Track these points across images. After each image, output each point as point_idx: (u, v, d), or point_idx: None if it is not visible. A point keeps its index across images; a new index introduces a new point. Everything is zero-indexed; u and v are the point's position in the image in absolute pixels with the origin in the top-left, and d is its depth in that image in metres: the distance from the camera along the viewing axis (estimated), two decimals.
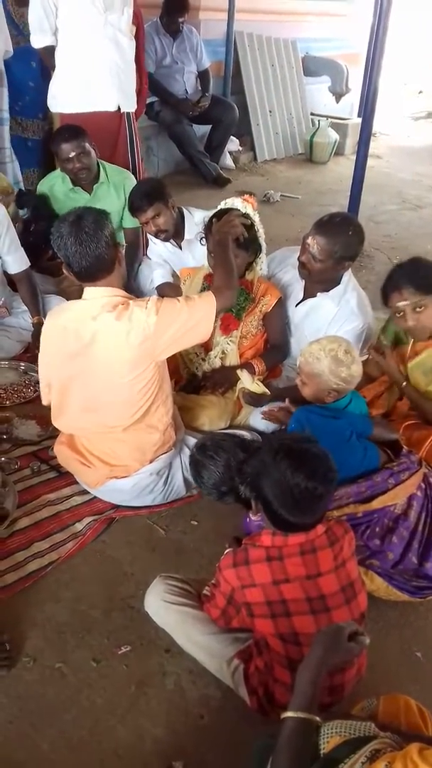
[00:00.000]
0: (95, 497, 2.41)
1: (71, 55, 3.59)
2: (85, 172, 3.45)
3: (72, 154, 3.37)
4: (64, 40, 3.58)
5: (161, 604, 1.83)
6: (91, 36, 3.54)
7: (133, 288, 3.65)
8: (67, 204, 3.59)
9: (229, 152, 6.51)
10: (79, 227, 2.07)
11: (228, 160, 6.49)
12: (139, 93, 5.11)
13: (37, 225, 3.51)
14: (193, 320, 2.17)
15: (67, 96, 3.66)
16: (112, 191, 3.57)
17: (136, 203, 3.13)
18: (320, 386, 2.14)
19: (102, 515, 2.35)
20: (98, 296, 2.15)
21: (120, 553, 2.23)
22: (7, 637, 1.88)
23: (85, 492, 2.43)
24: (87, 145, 3.39)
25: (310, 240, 2.55)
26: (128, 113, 3.87)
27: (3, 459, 2.55)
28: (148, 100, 5.50)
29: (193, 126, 5.96)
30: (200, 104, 5.85)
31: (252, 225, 2.70)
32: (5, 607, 1.99)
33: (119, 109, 3.77)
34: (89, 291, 2.17)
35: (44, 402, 2.39)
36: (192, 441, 2.46)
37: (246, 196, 2.81)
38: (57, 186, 3.59)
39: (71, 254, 2.09)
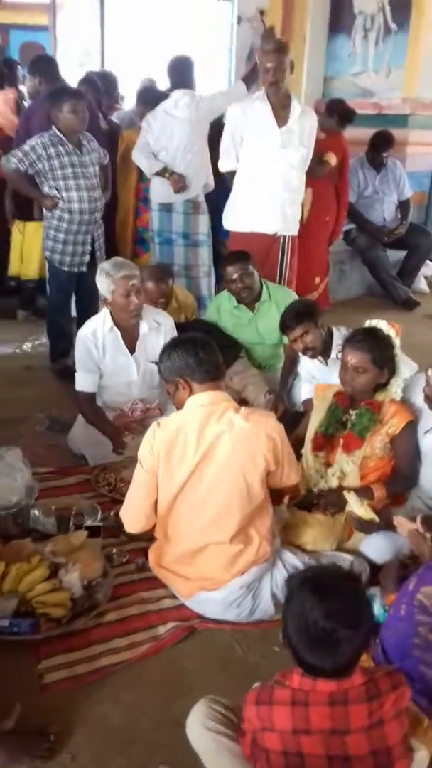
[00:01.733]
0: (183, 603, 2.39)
1: (245, 180, 4.05)
2: (247, 292, 3.67)
3: (235, 276, 3.62)
4: (242, 167, 4.05)
5: (199, 729, 1.71)
6: (265, 167, 3.96)
7: (286, 401, 3.72)
8: (231, 320, 3.85)
9: (424, 276, 6.45)
10: (194, 339, 2.32)
11: (422, 284, 6.42)
12: (337, 220, 5.41)
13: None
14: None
15: (235, 215, 4.10)
16: (274, 309, 3.72)
17: (286, 322, 3.26)
18: None
19: (186, 623, 2.31)
20: (217, 401, 2.27)
21: (192, 664, 2.15)
22: (54, 728, 1.89)
23: (176, 596, 2.42)
24: (250, 267, 3.64)
25: (430, 372, 2.44)
26: (284, 236, 4.15)
27: (114, 551, 2.66)
28: (345, 227, 5.75)
29: (386, 251, 6.04)
30: (397, 231, 5.94)
31: (391, 346, 2.67)
32: (64, 697, 2.02)
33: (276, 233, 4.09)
34: (203, 396, 2.28)
35: (133, 529, 2.43)
36: (290, 558, 2.37)
37: (392, 322, 2.80)
38: (224, 304, 3.85)
39: (193, 361, 2.28)
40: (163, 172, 4.55)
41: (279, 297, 3.75)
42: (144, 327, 3.34)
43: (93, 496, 3.03)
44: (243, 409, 2.27)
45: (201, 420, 2.23)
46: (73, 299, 4.38)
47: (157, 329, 3.39)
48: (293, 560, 2.36)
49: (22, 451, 3.37)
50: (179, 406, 2.36)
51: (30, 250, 5.01)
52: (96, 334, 3.31)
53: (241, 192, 4.07)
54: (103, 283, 3.24)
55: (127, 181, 5.28)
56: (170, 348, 2.39)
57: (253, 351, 3.92)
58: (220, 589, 2.25)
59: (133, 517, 2.40)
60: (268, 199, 3.98)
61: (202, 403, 2.27)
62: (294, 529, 2.51)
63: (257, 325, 3.80)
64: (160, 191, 4.76)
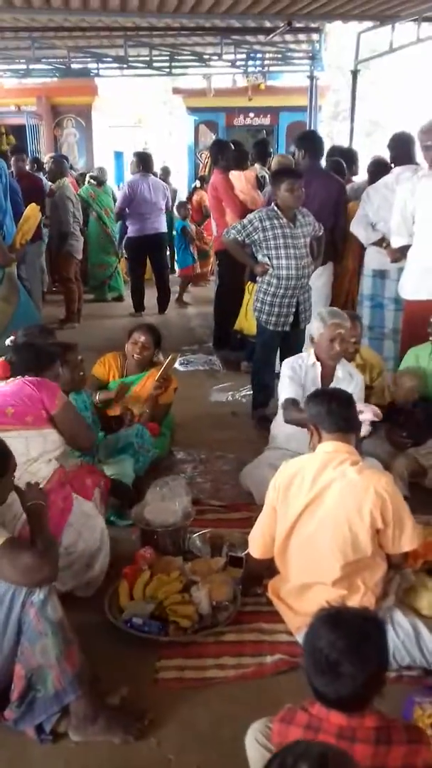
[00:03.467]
0: (297, 641, 2.54)
1: (418, 251, 4.14)
2: None
3: None
4: (416, 240, 4.16)
5: (251, 741, 1.88)
6: None
7: None
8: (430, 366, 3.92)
9: None
10: (333, 393, 2.61)
11: None
12: None
13: None
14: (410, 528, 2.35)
15: (412, 285, 4.18)
16: None
17: None
18: None
19: (293, 658, 2.46)
20: (340, 450, 2.47)
21: (284, 696, 2.26)
22: (151, 716, 2.20)
23: (292, 633, 2.58)
24: None
25: None
26: None
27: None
28: None
29: None
30: None
31: None
32: (167, 694, 2.32)
33: None
34: (328, 444, 2.50)
35: (254, 553, 2.69)
36: (400, 618, 2.40)
37: None
38: (421, 352, 3.98)
39: (325, 411, 2.52)
40: (380, 242, 4.80)
41: None
42: (339, 372, 3.61)
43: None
44: (361, 463, 2.41)
45: (320, 464, 2.44)
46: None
47: (350, 380, 3.62)
48: (402, 621, 2.37)
49: (208, 486, 3.86)
50: (313, 450, 2.58)
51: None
52: (299, 362, 3.67)
53: (416, 263, 4.16)
54: (315, 325, 3.59)
55: (349, 249, 5.60)
56: (311, 397, 2.68)
57: None
58: None
59: (254, 543, 2.69)
60: None
61: (326, 450, 2.48)
62: (413, 592, 2.52)
63: None
64: (374, 258, 5.03)
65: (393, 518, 2.33)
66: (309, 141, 5.38)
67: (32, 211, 5.17)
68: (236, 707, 2.26)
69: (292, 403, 3.51)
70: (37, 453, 2.73)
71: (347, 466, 2.40)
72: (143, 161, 7.79)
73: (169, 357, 4.15)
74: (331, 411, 2.51)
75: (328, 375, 3.62)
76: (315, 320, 3.61)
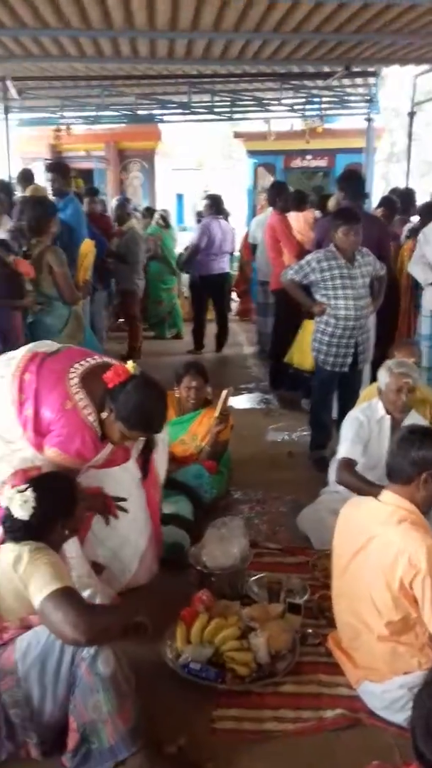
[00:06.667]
0: (359, 695, 2.45)
1: None
2: None
3: None
4: None
5: None
6: None
7: None
8: None
9: None
10: (402, 436, 2.45)
11: None
12: None
13: None
14: None
15: None
16: None
17: None
18: None
19: (353, 714, 2.38)
20: (391, 502, 2.39)
21: (344, 753, 2.22)
22: (211, 766, 2.15)
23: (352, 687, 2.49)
24: None
25: None
26: None
27: (310, 631, 2.83)
28: None
29: None
30: None
31: None
32: (225, 745, 2.27)
33: None
34: (387, 494, 2.42)
35: None
36: None
37: None
38: None
39: (389, 461, 2.45)
40: None
41: None
42: (409, 422, 3.49)
43: (308, 579, 3.25)
44: (406, 522, 2.29)
45: (373, 515, 2.39)
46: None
47: None
48: None
49: (265, 528, 3.82)
50: None
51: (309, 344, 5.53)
52: (367, 414, 3.48)
53: None
54: (383, 375, 3.44)
55: (404, 287, 5.57)
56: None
57: None
58: (383, 682, 2.31)
59: None
60: None
61: (382, 500, 2.42)
62: None
63: None
64: None
65: (425, 594, 2.19)
66: (348, 182, 5.27)
67: (87, 247, 5.34)
68: (296, 762, 2.19)
69: (347, 464, 3.33)
70: None
71: (394, 525, 2.30)
72: (216, 204, 7.95)
73: (225, 391, 4.02)
74: (391, 455, 2.44)
75: (396, 427, 3.44)
76: (381, 370, 3.44)
